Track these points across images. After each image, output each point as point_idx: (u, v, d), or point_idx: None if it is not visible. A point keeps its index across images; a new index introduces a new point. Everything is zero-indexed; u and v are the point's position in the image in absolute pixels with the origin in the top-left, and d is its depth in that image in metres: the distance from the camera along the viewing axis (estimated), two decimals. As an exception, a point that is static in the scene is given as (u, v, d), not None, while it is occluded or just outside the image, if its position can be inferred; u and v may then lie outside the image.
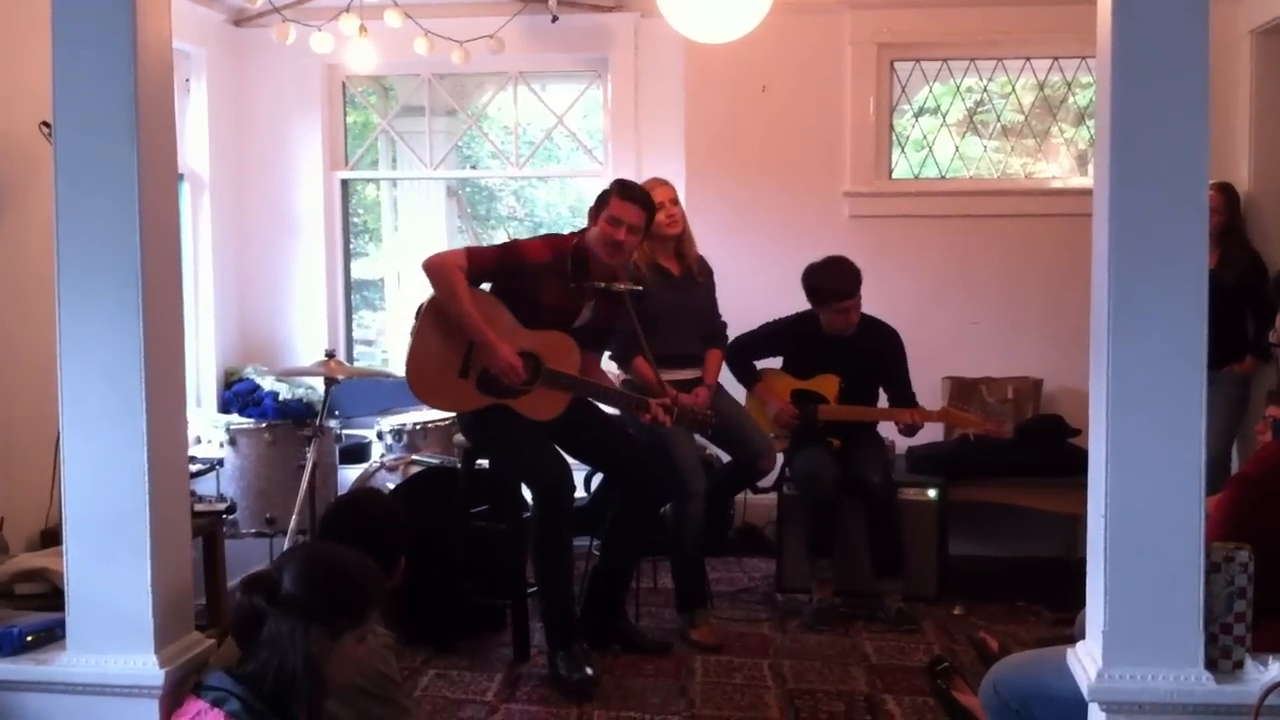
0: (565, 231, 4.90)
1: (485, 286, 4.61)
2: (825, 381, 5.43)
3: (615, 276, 4.64)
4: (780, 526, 5.64)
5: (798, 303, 5.46)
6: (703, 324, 5.18)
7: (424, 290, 4.57)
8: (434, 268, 4.48)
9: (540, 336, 4.53)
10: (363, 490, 5.12)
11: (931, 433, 6.13)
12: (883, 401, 5.52)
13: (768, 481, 5.55)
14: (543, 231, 5.58)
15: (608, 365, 5.06)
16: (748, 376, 5.50)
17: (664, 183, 5.12)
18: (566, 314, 4.61)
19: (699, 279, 5.18)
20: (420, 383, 4.51)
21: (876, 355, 5.44)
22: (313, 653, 2.40)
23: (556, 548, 4.49)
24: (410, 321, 4.59)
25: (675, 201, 5.07)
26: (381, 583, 2.64)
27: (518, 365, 4.45)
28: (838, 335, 5.39)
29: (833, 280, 5.29)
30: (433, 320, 4.50)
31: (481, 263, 4.52)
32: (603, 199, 4.59)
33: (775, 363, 5.60)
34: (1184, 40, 2.51)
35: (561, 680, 4.38)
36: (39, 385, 3.65)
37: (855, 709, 4.27)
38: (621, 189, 4.60)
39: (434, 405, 4.82)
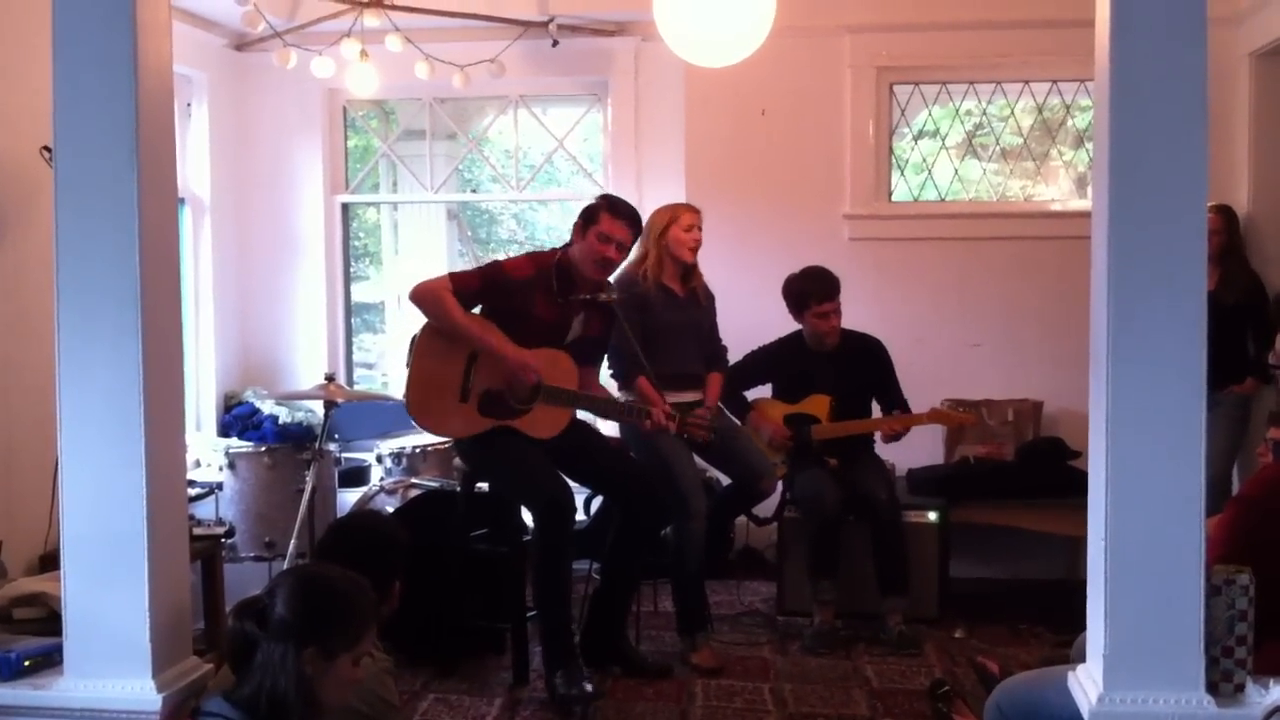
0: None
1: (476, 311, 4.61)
2: (816, 402, 5.44)
3: (600, 289, 4.65)
4: (781, 549, 5.62)
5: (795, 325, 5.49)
6: (704, 344, 5.19)
7: (416, 320, 4.58)
8: (423, 294, 4.49)
9: (536, 354, 4.53)
10: (359, 512, 5.12)
11: (932, 454, 6.14)
12: (876, 414, 5.52)
13: (768, 511, 5.54)
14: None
15: (609, 384, 5.07)
16: (739, 408, 5.49)
17: (697, 209, 5.15)
18: (557, 329, 4.62)
19: (702, 301, 5.19)
20: (422, 411, 4.51)
21: (864, 368, 5.47)
22: (305, 675, 2.40)
23: (557, 568, 4.48)
24: (405, 354, 4.59)
25: (702, 229, 5.09)
26: (375, 603, 2.63)
27: (531, 362, 4.44)
28: (823, 348, 5.42)
29: (813, 283, 5.36)
30: (428, 347, 4.51)
31: (466, 284, 4.52)
32: (591, 215, 4.59)
33: (766, 392, 5.62)
34: (1182, 63, 2.52)
35: (560, 698, 4.36)
36: (38, 408, 3.66)
37: (856, 733, 4.27)
38: (611, 206, 4.62)
39: (437, 432, 4.82)
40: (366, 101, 7.04)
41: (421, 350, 4.51)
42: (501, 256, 4.84)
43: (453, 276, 4.53)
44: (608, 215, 4.57)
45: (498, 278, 4.56)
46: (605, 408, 4.80)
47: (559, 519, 4.41)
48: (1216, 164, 5.35)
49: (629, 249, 4.68)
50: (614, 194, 5.03)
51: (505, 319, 4.54)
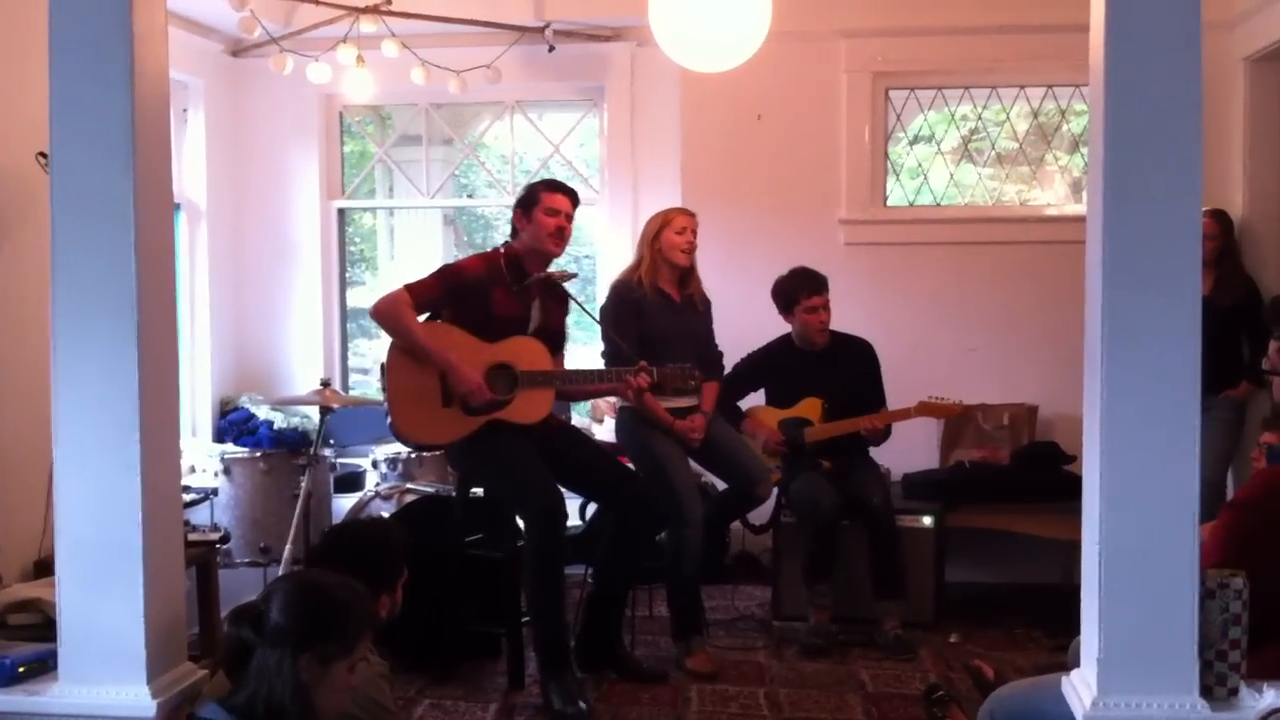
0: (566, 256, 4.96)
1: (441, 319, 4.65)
2: (808, 405, 5.44)
3: (548, 268, 4.73)
4: (776, 554, 5.62)
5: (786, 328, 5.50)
6: (700, 350, 5.18)
7: (385, 342, 4.63)
8: (382, 310, 4.53)
9: (506, 345, 4.57)
10: (358, 518, 5.12)
11: (927, 458, 6.14)
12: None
13: (763, 517, 5.54)
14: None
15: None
16: (732, 416, 5.49)
17: (691, 213, 5.15)
18: (518, 320, 4.65)
19: (699, 308, 5.19)
20: (410, 426, 4.53)
21: (853, 369, 5.48)
22: (302, 681, 2.40)
23: (550, 574, 4.47)
24: (380, 379, 4.62)
25: (695, 232, 5.10)
26: (371, 609, 2.63)
27: (482, 386, 4.47)
28: (812, 348, 5.43)
29: (801, 279, 5.40)
30: (400, 363, 4.53)
31: (424, 292, 4.56)
32: (529, 198, 4.68)
33: (760, 399, 5.63)
34: (1177, 67, 2.53)
35: (556, 715, 4.36)
36: (33, 414, 3.66)
37: (852, 738, 4.26)
38: (545, 184, 4.75)
39: (430, 443, 4.84)
40: (362, 107, 7.05)
41: (394, 368, 4.53)
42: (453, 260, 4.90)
43: (409, 288, 4.55)
44: (545, 191, 4.68)
45: (454, 280, 4.61)
46: (583, 378, 4.80)
47: (550, 525, 4.41)
48: (1211, 168, 5.32)
49: (573, 220, 4.73)
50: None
51: (469, 318, 4.57)
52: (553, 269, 4.73)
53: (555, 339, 4.81)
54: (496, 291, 4.60)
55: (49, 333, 2.79)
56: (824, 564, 5.24)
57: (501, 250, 4.73)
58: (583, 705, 4.36)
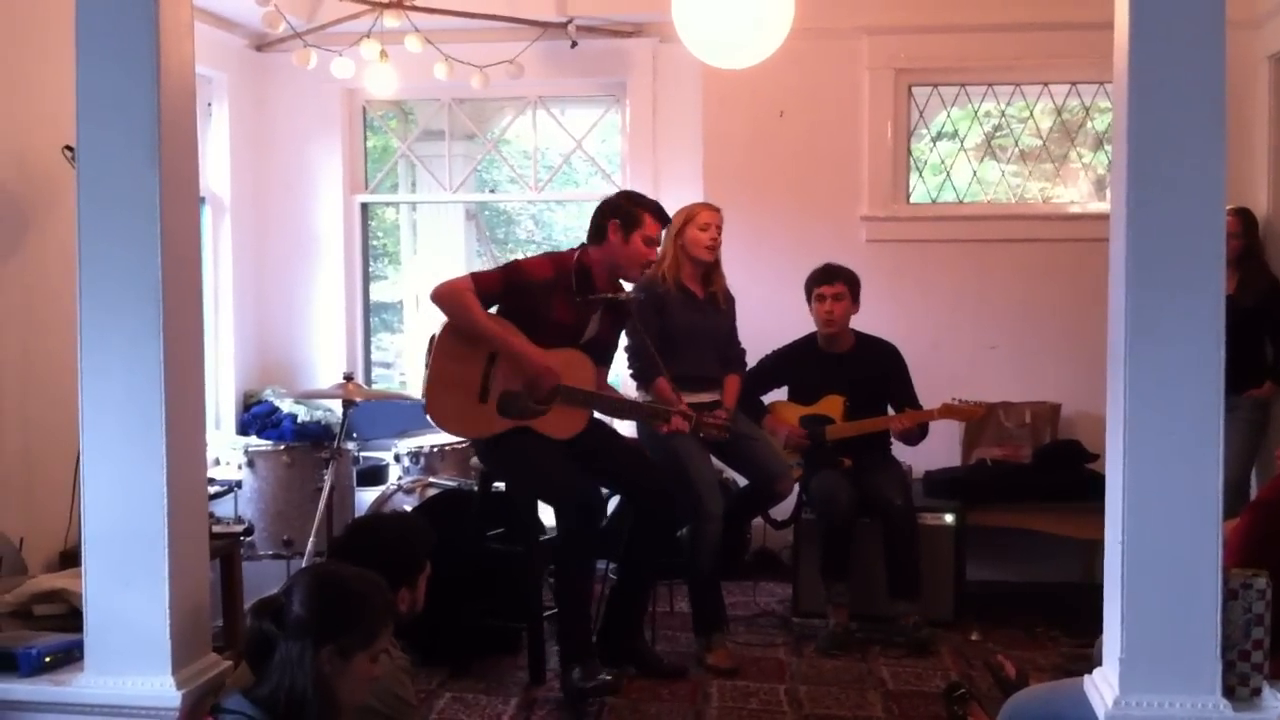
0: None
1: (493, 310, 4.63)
2: (830, 403, 5.44)
3: (616, 288, 4.70)
4: (796, 550, 5.62)
5: (812, 326, 5.49)
6: (722, 347, 5.19)
7: (435, 319, 4.60)
8: (444, 295, 4.51)
9: (555, 355, 4.54)
10: (381, 512, 5.14)
11: (949, 456, 6.12)
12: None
13: (784, 513, 5.54)
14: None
15: (628, 384, 5.08)
16: (755, 411, 5.49)
17: (716, 208, 5.15)
18: (575, 329, 4.64)
19: (722, 305, 5.19)
20: (440, 411, 4.52)
21: (877, 372, 5.47)
22: (323, 674, 2.41)
23: (582, 568, 4.49)
24: (424, 353, 4.60)
25: (721, 229, 5.09)
26: (391, 601, 2.65)
27: (552, 365, 4.47)
28: (832, 348, 5.46)
29: (817, 270, 5.44)
30: (448, 347, 4.52)
31: (487, 285, 4.53)
32: (633, 219, 4.59)
33: (783, 395, 5.63)
34: (1201, 65, 2.52)
35: (579, 693, 4.36)
36: (59, 407, 3.69)
37: (872, 735, 4.26)
38: (651, 209, 4.65)
39: (455, 432, 4.83)
40: (385, 102, 7.07)
41: (440, 351, 4.51)
42: (520, 256, 4.86)
43: (474, 276, 4.55)
44: (650, 217, 4.61)
45: (518, 278, 4.56)
46: (622, 408, 4.81)
47: (589, 520, 4.43)
48: (1235, 167, 5.33)
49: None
50: (633, 190, 5.07)
51: (523, 319, 4.54)
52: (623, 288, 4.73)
53: (604, 351, 4.81)
54: (557, 298, 4.57)
55: (75, 326, 2.81)
56: (839, 563, 5.23)
57: (576, 256, 4.68)
58: (605, 676, 4.37)
